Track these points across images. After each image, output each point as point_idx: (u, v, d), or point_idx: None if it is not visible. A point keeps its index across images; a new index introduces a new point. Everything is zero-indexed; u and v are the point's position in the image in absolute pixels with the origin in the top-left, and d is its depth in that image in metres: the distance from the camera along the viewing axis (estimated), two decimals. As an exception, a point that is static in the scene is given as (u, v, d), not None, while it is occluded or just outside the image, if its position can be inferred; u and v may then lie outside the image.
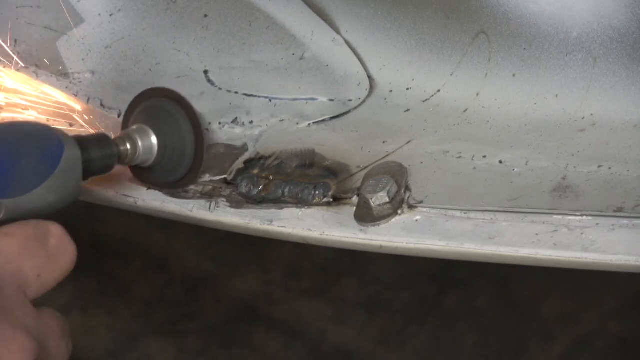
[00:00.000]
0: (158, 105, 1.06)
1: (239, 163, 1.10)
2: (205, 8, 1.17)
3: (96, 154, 0.96)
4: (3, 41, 1.29)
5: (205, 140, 1.07)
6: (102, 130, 1.12)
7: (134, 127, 1.04)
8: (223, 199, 1.08)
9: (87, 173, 0.93)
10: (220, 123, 1.15)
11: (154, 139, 1.03)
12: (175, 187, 1.08)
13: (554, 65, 1.04)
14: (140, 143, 1.02)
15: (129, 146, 1.02)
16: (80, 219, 0.83)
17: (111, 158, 0.99)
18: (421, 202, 0.99)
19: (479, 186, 1.00)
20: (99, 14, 1.21)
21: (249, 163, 1.10)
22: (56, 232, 0.81)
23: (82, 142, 0.93)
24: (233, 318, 2.11)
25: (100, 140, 0.98)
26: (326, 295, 2.10)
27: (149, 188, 1.09)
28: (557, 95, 1.04)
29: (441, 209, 0.98)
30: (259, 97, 1.15)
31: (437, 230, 0.97)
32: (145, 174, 1.07)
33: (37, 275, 0.78)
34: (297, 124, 1.13)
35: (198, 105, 1.09)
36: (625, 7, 1.00)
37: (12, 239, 0.78)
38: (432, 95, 1.10)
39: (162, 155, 1.04)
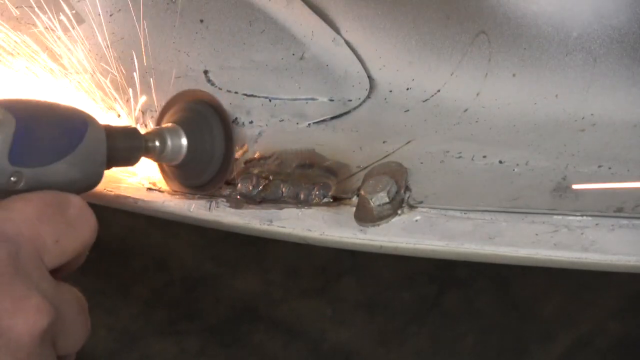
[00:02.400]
0: (194, 108, 1.06)
1: (239, 163, 1.10)
2: (204, 8, 1.17)
3: (122, 143, 0.96)
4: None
5: (235, 151, 1.07)
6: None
7: (167, 125, 1.05)
8: (223, 199, 1.08)
9: (112, 161, 0.94)
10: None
11: (184, 140, 1.03)
12: (197, 190, 1.08)
13: (554, 65, 1.04)
14: (169, 142, 1.03)
15: (157, 143, 1.02)
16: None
17: (137, 150, 0.99)
18: (421, 202, 0.99)
19: (479, 186, 1.00)
20: (99, 14, 1.21)
21: (249, 163, 1.10)
22: (76, 202, 0.81)
23: (110, 129, 0.94)
24: (233, 318, 2.11)
25: (128, 131, 0.98)
26: (326, 295, 2.10)
27: (173, 192, 1.10)
28: (557, 95, 1.04)
29: (441, 209, 0.98)
30: (259, 97, 1.15)
31: (437, 230, 0.97)
32: (171, 173, 1.08)
33: (56, 241, 0.77)
34: (297, 124, 1.13)
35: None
36: (625, 7, 1.00)
37: (30, 204, 0.78)
38: (432, 95, 1.10)
39: (190, 157, 1.04)
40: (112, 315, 2.15)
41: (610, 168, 0.97)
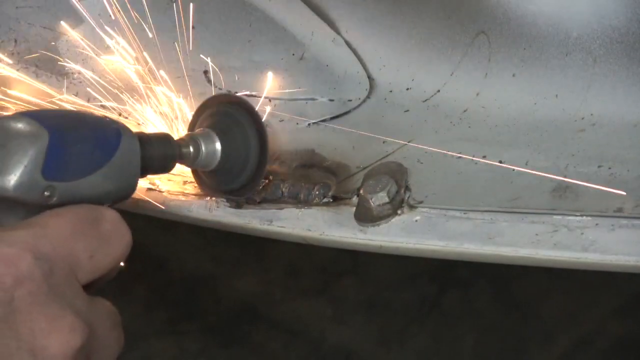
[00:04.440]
0: (228, 112, 1.04)
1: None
2: (205, 9, 1.17)
3: (156, 152, 0.95)
4: (3, 41, 1.29)
5: (269, 155, 1.05)
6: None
7: (200, 130, 1.03)
8: (223, 199, 1.08)
9: (146, 170, 0.93)
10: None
11: (218, 145, 1.02)
12: (232, 195, 1.06)
13: (554, 65, 1.04)
14: (203, 147, 1.01)
15: (191, 149, 1.00)
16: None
17: (171, 158, 0.98)
18: (421, 202, 0.99)
19: (479, 186, 1.00)
20: (99, 14, 1.21)
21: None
22: (110, 216, 0.80)
23: (143, 138, 0.92)
24: (233, 318, 2.11)
25: (162, 139, 0.97)
26: (326, 295, 2.10)
27: (210, 197, 1.08)
28: (557, 95, 1.04)
29: (441, 209, 0.98)
30: (259, 97, 1.15)
31: (437, 230, 0.97)
32: (205, 178, 1.06)
33: (90, 257, 0.77)
34: (297, 124, 1.13)
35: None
36: (625, 7, 1.00)
37: (64, 219, 0.76)
38: (432, 95, 1.10)
39: (224, 161, 1.02)
40: (112, 315, 2.14)
41: (610, 168, 0.97)
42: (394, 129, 1.09)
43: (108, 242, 0.79)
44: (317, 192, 1.05)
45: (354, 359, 2.04)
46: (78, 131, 0.83)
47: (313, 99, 1.14)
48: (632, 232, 0.90)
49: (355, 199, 1.02)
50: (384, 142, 1.07)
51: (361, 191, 1.01)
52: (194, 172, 1.06)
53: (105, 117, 0.90)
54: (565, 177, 0.97)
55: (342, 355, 2.04)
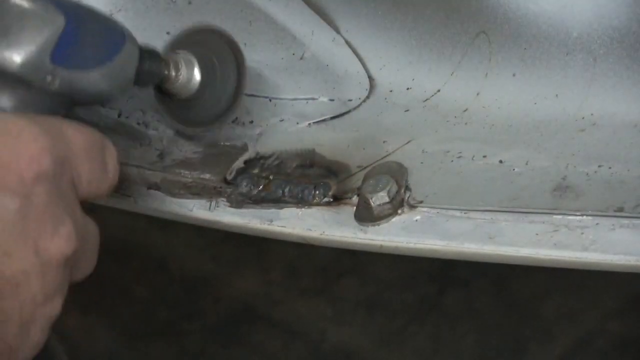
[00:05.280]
0: (210, 43, 1.03)
1: (239, 163, 1.10)
2: (204, 9, 1.17)
3: (147, 65, 0.94)
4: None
5: (244, 90, 1.04)
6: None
7: (180, 52, 1.01)
8: (223, 199, 1.08)
9: (136, 80, 0.92)
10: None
11: (197, 73, 1.00)
12: (195, 128, 1.06)
13: (554, 65, 1.04)
14: (183, 72, 1.00)
15: (173, 72, 0.99)
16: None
17: (157, 76, 0.97)
18: (421, 201, 0.99)
19: (479, 186, 1.00)
20: (99, 14, 1.21)
21: (249, 163, 1.10)
22: (113, 152, 0.81)
23: (141, 49, 0.92)
24: (233, 318, 2.11)
25: (153, 55, 0.96)
26: (326, 295, 2.10)
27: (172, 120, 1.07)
28: (557, 95, 1.04)
29: (441, 208, 0.98)
30: (259, 97, 1.15)
31: (437, 230, 0.97)
32: (170, 105, 1.05)
33: (89, 182, 0.78)
34: (297, 124, 1.13)
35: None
36: (625, 7, 1.00)
37: (82, 137, 0.77)
38: (432, 95, 1.10)
39: (198, 92, 1.01)
40: (112, 315, 2.15)
41: (610, 168, 0.97)
42: (394, 129, 1.09)
43: (105, 175, 0.80)
44: (317, 192, 1.05)
45: (354, 359, 2.04)
46: (91, 22, 0.84)
47: (313, 99, 1.14)
48: (632, 232, 0.90)
49: (355, 199, 1.02)
50: (384, 142, 1.08)
51: (361, 191, 1.01)
52: (161, 99, 1.05)
53: (113, 18, 0.90)
54: (565, 177, 0.97)
55: (342, 355, 2.04)
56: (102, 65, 0.85)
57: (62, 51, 0.80)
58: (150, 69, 0.95)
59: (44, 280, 0.72)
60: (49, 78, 0.80)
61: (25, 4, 0.80)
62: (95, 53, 0.84)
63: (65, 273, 0.74)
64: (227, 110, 1.04)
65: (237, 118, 1.15)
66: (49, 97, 0.81)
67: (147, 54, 0.94)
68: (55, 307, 0.75)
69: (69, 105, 0.84)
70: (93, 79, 0.84)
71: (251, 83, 1.09)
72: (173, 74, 0.99)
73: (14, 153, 0.70)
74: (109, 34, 0.87)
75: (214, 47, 1.04)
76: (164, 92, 1.02)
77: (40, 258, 0.71)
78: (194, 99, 1.02)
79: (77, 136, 0.76)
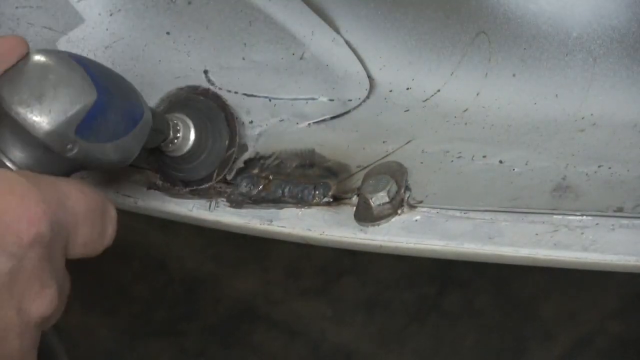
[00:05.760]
0: (202, 103, 1.06)
1: (239, 163, 1.10)
2: (204, 9, 1.17)
3: (156, 127, 0.95)
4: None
5: (238, 149, 1.07)
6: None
7: (177, 114, 1.03)
8: (223, 199, 1.08)
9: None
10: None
11: (192, 133, 1.03)
12: (190, 184, 1.07)
13: (554, 65, 1.04)
14: (180, 132, 1.02)
15: (171, 132, 1.01)
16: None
17: (162, 137, 0.99)
18: (421, 202, 0.99)
19: (479, 186, 1.00)
20: (99, 14, 1.21)
21: (249, 163, 1.10)
22: (113, 215, 0.83)
23: (152, 113, 0.93)
24: (233, 318, 2.11)
25: (160, 117, 0.98)
26: (326, 295, 2.10)
27: (148, 188, 1.09)
28: (557, 95, 1.04)
29: (441, 208, 0.98)
30: (259, 97, 1.15)
31: (437, 230, 0.97)
32: (163, 160, 1.06)
33: (83, 245, 0.79)
34: (297, 124, 1.13)
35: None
36: (625, 7, 1.00)
37: (84, 200, 0.78)
38: (432, 95, 1.10)
39: (191, 151, 1.03)
40: (112, 315, 2.15)
41: (610, 168, 0.97)
42: (394, 129, 1.09)
43: (101, 239, 0.81)
44: (317, 192, 1.05)
45: (354, 359, 2.04)
46: (118, 99, 0.85)
47: (313, 99, 1.14)
48: (632, 232, 0.90)
49: (355, 199, 1.02)
50: (384, 142, 1.08)
51: (361, 191, 1.01)
52: (153, 155, 1.07)
53: (134, 87, 0.91)
54: (565, 177, 0.97)
55: (342, 355, 2.04)
56: (118, 138, 0.86)
57: (87, 124, 0.82)
58: (157, 134, 0.97)
59: (22, 339, 0.73)
60: (69, 147, 0.81)
61: (65, 73, 0.81)
62: (115, 128, 0.85)
63: (40, 330, 0.76)
64: (219, 170, 1.07)
65: (237, 118, 1.14)
66: (64, 161, 0.82)
67: (156, 118, 0.95)
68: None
69: (79, 168, 0.85)
70: (107, 150, 0.85)
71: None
72: (171, 136, 1.01)
73: (15, 214, 0.71)
74: (130, 111, 0.88)
75: (203, 106, 1.07)
76: (155, 149, 1.04)
77: (21, 318, 0.73)
78: (187, 158, 1.05)
79: (79, 201, 0.78)
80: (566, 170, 0.98)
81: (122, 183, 1.11)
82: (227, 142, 1.06)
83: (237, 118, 1.08)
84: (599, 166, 0.97)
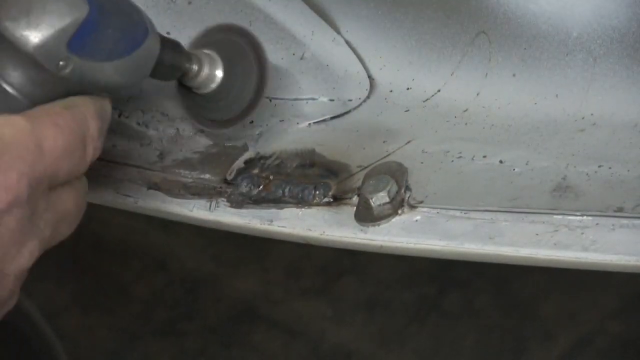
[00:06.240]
0: (235, 43, 1.04)
1: (239, 163, 1.10)
2: (204, 9, 1.17)
3: (168, 59, 0.93)
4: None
5: (264, 91, 1.04)
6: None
7: (206, 51, 1.01)
8: (223, 199, 1.08)
9: (153, 73, 0.91)
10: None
11: (219, 72, 1.01)
12: (209, 125, 1.06)
13: (554, 65, 1.04)
14: (206, 69, 1.00)
15: (195, 67, 0.99)
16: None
17: (178, 70, 0.96)
18: (421, 202, 0.99)
19: (479, 186, 1.00)
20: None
21: (249, 163, 1.10)
22: (95, 136, 0.80)
23: (163, 41, 0.91)
24: (233, 318, 2.11)
25: (176, 47, 0.95)
26: (326, 295, 2.11)
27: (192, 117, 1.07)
28: (557, 95, 1.04)
29: (441, 209, 0.98)
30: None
31: (437, 230, 0.97)
32: (188, 98, 1.05)
33: (66, 174, 0.77)
34: (297, 124, 1.13)
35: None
36: (625, 7, 1.00)
37: (61, 136, 0.76)
38: (432, 95, 1.10)
39: (218, 90, 1.02)
40: (112, 315, 2.15)
41: (610, 168, 0.97)
42: (394, 129, 1.09)
43: (84, 160, 0.79)
44: (317, 192, 1.05)
45: (354, 359, 2.04)
46: (115, 15, 0.83)
47: (313, 99, 1.14)
48: (632, 232, 0.90)
49: (355, 199, 1.02)
50: (384, 142, 1.08)
51: (361, 191, 1.01)
52: (181, 89, 1.05)
53: (139, 8, 0.88)
54: (565, 177, 0.97)
55: (342, 355, 2.04)
56: (117, 59, 0.84)
57: (79, 40, 0.80)
58: (171, 63, 0.95)
59: (1, 290, 0.72)
60: (61, 63, 0.79)
61: None
62: (113, 46, 0.83)
63: (22, 277, 0.75)
64: (246, 111, 1.05)
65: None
66: (59, 81, 0.80)
67: (168, 47, 0.93)
68: (9, 304, 0.75)
69: (77, 92, 0.83)
70: (106, 71, 0.83)
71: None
72: (195, 69, 0.99)
73: None
74: (130, 29, 0.85)
75: (237, 46, 1.04)
76: (184, 86, 1.03)
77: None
78: (214, 96, 1.03)
79: (56, 138, 0.76)
80: (566, 170, 0.98)
81: (121, 183, 1.11)
82: (255, 83, 1.04)
83: (267, 60, 1.04)
84: (599, 166, 0.97)
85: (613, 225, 0.91)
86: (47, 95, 0.80)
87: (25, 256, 0.73)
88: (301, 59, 1.14)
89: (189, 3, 1.17)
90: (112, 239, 2.18)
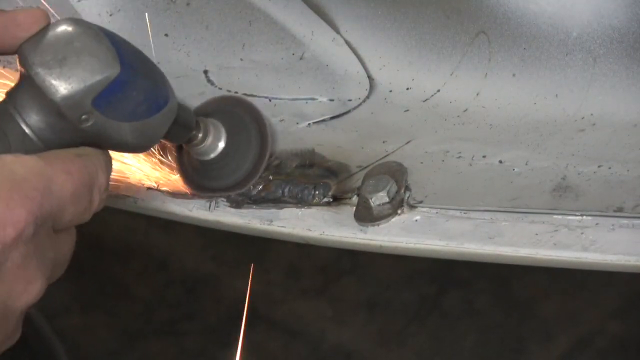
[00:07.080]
0: (237, 115, 1.04)
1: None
2: (204, 9, 1.17)
3: (180, 122, 0.94)
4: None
5: (265, 164, 1.04)
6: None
7: (212, 119, 1.02)
8: (223, 199, 1.08)
9: (165, 135, 0.92)
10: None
11: (222, 141, 1.01)
12: (205, 191, 1.05)
13: (554, 65, 1.04)
14: (210, 137, 1.00)
15: (200, 134, 0.99)
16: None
17: (186, 133, 0.97)
18: (421, 202, 0.99)
19: (479, 186, 1.00)
20: (99, 14, 1.21)
21: (249, 163, 1.10)
22: (102, 186, 0.81)
23: (179, 106, 0.92)
24: (233, 318, 2.11)
25: (187, 111, 0.96)
26: (326, 295, 2.10)
27: (192, 194, 1.07)
28: (557, 95, 1.04)
29: (441, 209, 0.98)
30: (259, 97, 1.15)
31: (437, 230, 0.97)
32: (188, 164, 1.05)
33: (70, 220, 0.78)
34: (297, 124, 1.13)
35: (197, 105, 1.09)
36: (625, 7, 1.00)
37: (71, 181, 0.77)
38: (432, 95, 1.10)
39: (219, 158, 1.02)
40: (112, 315, 2.15)
41: (610, 168, 0.97)
42: (394, 129, 1.09)
43: (89, 209, 0.80)
44: (317, 192, 1.05)
45: (354, 359, 2.04)
46: (142, 79, 0.84)
47: (313, 99, 1.14)
48: (632, 232, 0.90)
49: (355, 199, 1.02)
50: (384, 142, 1.08)
51: (361, 191, 1.01)
52: (179, 157, 1.06)
53: (163, 74, 0.90)
54: (565, 177, 0.97)
55: (342, 355, 2.04)
56: (136, 120, 0.85)
57: (105, 98, 0.81)
58: (182, 129, 0.96)
59: (6, 326, 0.74)
60: (83, 117, 0.81)
61: (90, 43, 0.81)
62: (135, 108, 0.84)
63: (25, 311, 0.76)
64: (244, 179, 1.04)
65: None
66: (77, 132, 0.81)
67: (182, 114, 0.94)
68: (13, 340, 0.77)
69: (89, 143, 0.84)
70: (122, 130, 0.84)
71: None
72: (200, 137, 1.00)
73: None
74: (154, 94, 0.87)
75: (239, 117, 1.04)
76: (183, 151, 1.04)
77: (6, 311, 0.73)
78: (212, 165, 1.03)
79: (66, 184, 0.77)
80: (566, 170, 0.98)
81: (121, 183, 1.11)
82: (256, 154, 1.03)
83: (269, 133, 1.05)
84: (599, 166, 0.97)
85: (613, 225, 0.91)
86: (62, 143, 0.81)
87: (32, 293, 0.74)
88: (301, 59, 1.14)
89: (188, 4, 1.17)
90: (112, 239, 2.18)
